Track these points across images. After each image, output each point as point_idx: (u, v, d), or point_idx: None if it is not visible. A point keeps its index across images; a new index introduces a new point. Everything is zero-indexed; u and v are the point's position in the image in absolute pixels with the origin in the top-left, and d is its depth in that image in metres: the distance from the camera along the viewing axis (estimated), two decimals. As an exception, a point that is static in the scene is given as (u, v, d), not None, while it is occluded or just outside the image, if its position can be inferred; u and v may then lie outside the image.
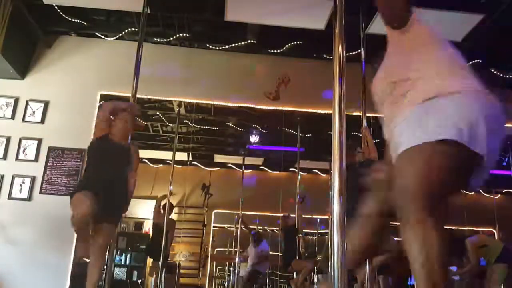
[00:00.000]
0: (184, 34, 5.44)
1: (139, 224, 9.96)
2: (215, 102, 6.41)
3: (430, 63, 1.57)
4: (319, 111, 5.83)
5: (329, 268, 1.82)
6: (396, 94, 1.60)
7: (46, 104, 5.25)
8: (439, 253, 1.30)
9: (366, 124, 4.24)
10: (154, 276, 6.40)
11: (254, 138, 8.21)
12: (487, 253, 5.17)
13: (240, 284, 7.75)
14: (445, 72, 1.54)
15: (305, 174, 9.65)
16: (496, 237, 8.75)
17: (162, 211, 6.40)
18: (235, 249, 8.63)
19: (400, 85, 1.59)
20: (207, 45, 5.68)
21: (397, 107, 1.59)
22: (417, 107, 1.49)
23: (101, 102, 5.25)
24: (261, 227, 10.06)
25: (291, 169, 9.51)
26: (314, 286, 6.79)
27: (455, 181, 1.46)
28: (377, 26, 4.71)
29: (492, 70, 5.73)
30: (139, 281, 8.86)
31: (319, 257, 7.11)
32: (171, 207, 6.40)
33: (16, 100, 5.23)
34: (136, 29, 5.10)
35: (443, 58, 1.59)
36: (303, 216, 7.51)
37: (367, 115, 4.36)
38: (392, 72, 1.65)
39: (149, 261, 8.72)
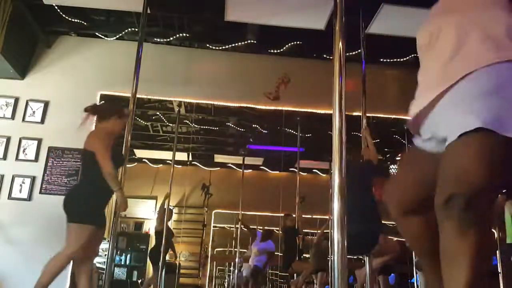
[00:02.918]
0: (184, 34, 5.44)
1: (139, 224, 9.97)
2: (215, 102, 6.41)
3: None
4: (319, 111, 5.82)
5: (329, 267, 1.80)
6: None
7: (46, 104, 5.24)
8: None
9: (366, 124, 4.23)
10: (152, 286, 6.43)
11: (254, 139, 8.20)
12: None
13: (242, 283, 7.73)
14: None
15: (305, 174, 9.66)
16: (496, 237, 8.74)
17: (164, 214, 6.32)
18: (235, 249, 8.63)
19: None
20: (207, 45, 5.67)
21: None
22: None
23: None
24: (261, 227, 10.05)
25: (291, 169, 9.51)
26: (314, 286, 6.79)
27: None
28: (377, 26, 4.71)
29: (492, 70, 5.72)
30: (139, 281, 8.87)
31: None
32: (171, 213, 6.36)
33: (16, 100, 5.22)
34: (136, 29, 5.09)
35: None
36: (303, 216, 7.50)
37: (367, 115, 4.35)
38: None
39: (149, 262, 8.73)
